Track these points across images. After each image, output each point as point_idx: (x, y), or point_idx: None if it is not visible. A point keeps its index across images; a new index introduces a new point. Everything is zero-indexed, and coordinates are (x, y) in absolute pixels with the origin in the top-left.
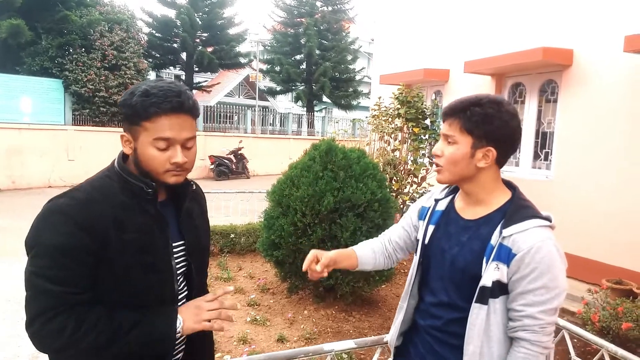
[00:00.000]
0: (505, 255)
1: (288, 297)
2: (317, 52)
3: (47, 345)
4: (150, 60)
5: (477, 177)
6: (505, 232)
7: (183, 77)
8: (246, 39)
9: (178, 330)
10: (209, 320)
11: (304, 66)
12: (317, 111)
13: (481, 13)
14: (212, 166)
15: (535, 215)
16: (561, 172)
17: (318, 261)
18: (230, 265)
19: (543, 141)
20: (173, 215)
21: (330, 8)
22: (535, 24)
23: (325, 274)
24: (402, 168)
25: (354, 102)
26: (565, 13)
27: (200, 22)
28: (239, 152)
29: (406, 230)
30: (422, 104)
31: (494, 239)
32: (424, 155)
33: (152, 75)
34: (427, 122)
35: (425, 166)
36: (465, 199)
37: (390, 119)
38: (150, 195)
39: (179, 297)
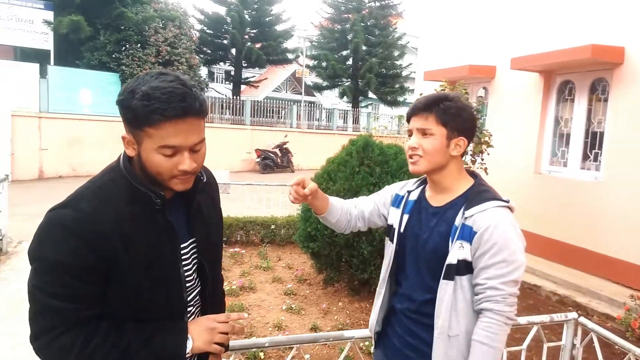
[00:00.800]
0: (468, 234)
1: (324, 289)
2: (364, 47)
3: None
4: (202, 56)
5: (448, 165)
6: (467, 213)
7: (232, 73)
8: (293, 35)
9: (187, 351)
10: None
11: (350, 62)
12: (363, 107)
13: (529, 8)
14: (258, 159)
15: (494, 197)
16: (611, 173)
17: (304, 186)
18: (270, 255)
19: (593, 141)
20: (183, 212)
21: (378, 3)
22: (585, 20)
23: (309, 199)
24: None
25: (400, 99)
26: (616, 9)
27: (249, 19)
28: (284, 146)
29: (376, 205)
30: (465, 101)
31: (458, 220)
32: (465, 153)
33: (203, 71)
34: None
35: (468, 164)
36: (433, 188)
37: None
38: (159, 205)
39: (193, 293)
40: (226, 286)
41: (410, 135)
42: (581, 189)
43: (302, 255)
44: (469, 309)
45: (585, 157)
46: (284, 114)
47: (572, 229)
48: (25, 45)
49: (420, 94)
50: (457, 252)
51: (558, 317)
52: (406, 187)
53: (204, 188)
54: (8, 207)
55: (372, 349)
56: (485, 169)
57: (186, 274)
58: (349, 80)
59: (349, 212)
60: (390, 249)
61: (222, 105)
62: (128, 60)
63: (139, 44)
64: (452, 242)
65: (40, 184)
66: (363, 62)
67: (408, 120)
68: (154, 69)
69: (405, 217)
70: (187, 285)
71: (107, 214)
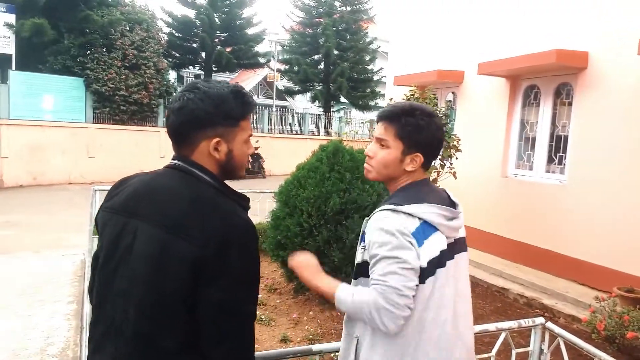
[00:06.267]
0: (363, 238)
1: (294, 298)
2: (335, 52)
3: None
4: (170, 59)
5: (399, 179)
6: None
7: (202, 77)
8: (264, 39)
9: None
10: None
11: (321, 66)
12: (335, 111)
13: (496, 14)
14: None
15: (389, 202)
16: (575, 176)
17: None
18: None
19: (557, 145)
20: None
21: (349, 8)
22: (550, 25)
23: None
24: None
25: (372, 103)
26: (580, 15)
27: (219, 22)
28: (256, 151)
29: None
30: (434, 106)
31: (363, 226)
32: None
33: (172, 75)
34: None
35: (437, 169)
36: None
37: None
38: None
39: None
40: None
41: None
42: (546, 191)
43: (272, 264)
44: None
45: (550, 160)
46: (256, 119)
47: (538, 231)
48: None
49: (391, 99)
50: (359, 254)
51: (526, 322)
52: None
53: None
54: None
55: None
56: (454, 173)
57: None
58: (321, 84)
59: None
60: None
61: None
62: (93, 64)
63: (105, 48)
64: (358, 246)
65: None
66: (335, 67)
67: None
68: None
69: None
70: None
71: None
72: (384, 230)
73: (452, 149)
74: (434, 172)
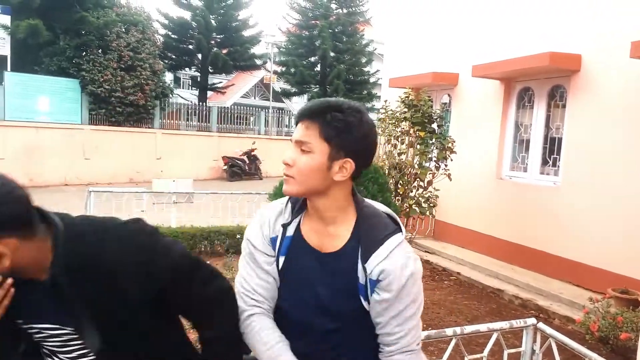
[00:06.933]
0: (373, 285)
1: None
2: (332, 54)
3: None
4: (166, 61)
5: (330, 191)
6: (368, 266)
7: (199, 79)
8: (261, 40)
9: None
10: None
11: (318, 68)
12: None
13: (490, 16)
14: (226, 167)
15: (387, 232)
16: (569, 178)
17: None
18: (236, 265)
19: (552, 147)
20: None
21: (345, 10)
22: (543, 28)
23: None
24: (408, 172)
25: (369, 105)
26: (573, 18)
27: (215, 24)
28: (252, 153)
29: (265, 278)
30: (428, 108)
31: (362, 278)
32: (430, 159)
33: (168, 77)
34: (434, 126)
35: (432, 170)
36: (314, 220)
37: (396, 122)
38: None
39: None
40: None
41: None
42: (541, 193)
43: None
44: None
45: (544, 162)
46: (252, 121)
47: (533, 233)
48: None
49: (386, 101)
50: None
51: (517, 323)
52: (279, 221)
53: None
54: None
55: None
56: (449, 175)
57: None
58: (318, 86)
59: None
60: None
61: (188, 111)
62: (89, 66)
63: (100, 49)
64: (364, 300)
65: None
66: (331, 69)
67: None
68: (117, 75)
69: (282, 259)
70: None
71: None
72: (414, 269)
73: (447, 150)
74: (429, 174)
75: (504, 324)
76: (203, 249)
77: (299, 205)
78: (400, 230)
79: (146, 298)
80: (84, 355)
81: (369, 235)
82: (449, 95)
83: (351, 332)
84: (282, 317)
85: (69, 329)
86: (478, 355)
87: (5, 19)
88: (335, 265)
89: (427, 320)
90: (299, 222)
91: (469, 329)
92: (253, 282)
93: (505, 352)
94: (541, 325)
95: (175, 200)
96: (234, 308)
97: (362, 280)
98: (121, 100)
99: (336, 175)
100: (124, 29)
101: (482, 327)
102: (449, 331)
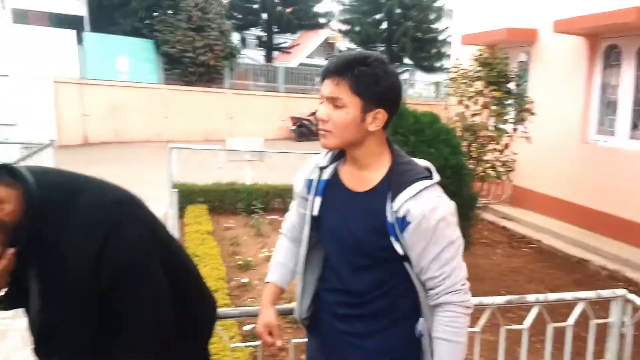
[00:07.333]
0: (400, 225)
1: None
2: (398, 10)
3: None
4: (233, 21)
5: (366, 141)
6: (395, 205)
7: (264, 38)
8: None
9: None
10: None
11: (384, 26)
12: (398, 73)
13: None
14: (294, 127)
15: (418, 176)
16: None
17: (272, 334)
18: None
19: None
20: None
21: None
22: None
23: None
24: (482, 134)
25: (437, 64)
26: None
27: None
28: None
29: (299, 212)
30: (504, 66)
31: (390, 216)
32: (506, 121)
33: (235, 37)
34: (511, 85)
35: (508, 133)
36: (351, 166)
37: (469, 82)
38: None
39: None
40: (265, 252)
41: (321, 102)
42: (630, 158)
43: None
44: None
45: (634, 126)
46: (318, 81)
47: (621, 200)
48: (59, 11)
49: (457, 59)
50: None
51: (605, 293)
52: (318, 165)
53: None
54: None
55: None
56: (528, 138)
57: None
58: (384, 45)
59: (294, 254)
60: (305, 233)
61: (255, 71)
62: (160, 26)
63: (170, 9)
64: (394, 240)
65: (85, 149)
66: (397, 26)
67: (322, 82)
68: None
69: (318, 200)
70: None
71: None
72: (448, 213)
73: (525, 112)
74: (506, 136)
75: (591, 294)
76: (277, 205)
77: (337, 153)
78: (432, 178)
79: (93, 286)
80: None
81: (399, 178)
82: (526, 53)
83: (384, 272)
84: (325, 256)
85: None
86: (562, 324)
87: None
88: (367, 203)
89: (504, 287)
90: (336, 167)
91: (552, 296)
92: (289, 215)
93: (592, 322)
94: (632, 296)
95: (249, 158)
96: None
97: (390, 218)
98: (193, 61)
99: (370, 125)
100: None
101: (567, 296)
102: (530, 297)
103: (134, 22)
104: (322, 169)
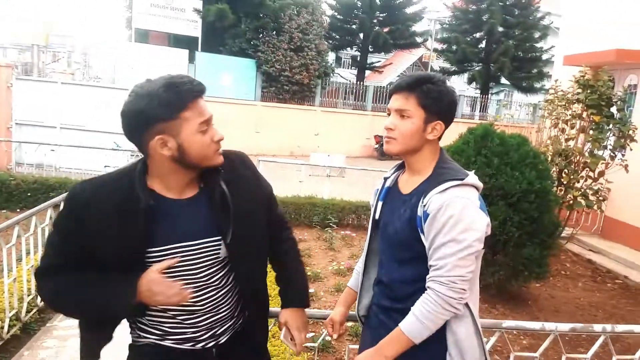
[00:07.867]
0: (425, 219)
1: None
2: (500, 29)
3: None
4: (330, 42)
5: (423, 149)
6: (424, 200)
7: (358, 58)
8: (423, 17)
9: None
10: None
11: (482, 45)
12: (493, 94)
13: None
14: (377, 146)
15: (451, 177)
16: None
17: (341, 324)
18: None
19: None
20: (209, 208)
21: None
22: None
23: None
24: (576, 160)
25: (538, 85)
26: None
27: (379, 2)
28: None
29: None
30: (607, 89)
31: (420, 210)
32: (604, 147)
33: (331, 56)
34: (613, 110)
35: (605, 160)
36: (407, 173)
37: (567, 105)
38: (143, 207)
39: (218, 292)
40: (334, 266)
41: (388, 114)
42: None
43: None
44: None
45: None
46: None
47: None
48: (177, 32)
49: (556, 80)
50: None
51: None
52: (384, 176)
53: (232, 180)
54: None
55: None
56: (626, 167)
57: (204, 272)
58: (480, 64)
59: None
60: (367, 234)
61: (345, 90)
62: (264, 47)
63: (274, 31)
64: (420, 232)
65: None
66: (497, 45)
67: (389, 98)
68: (287, 55)
69: (380, 204)
70: (205, 284)
71: (98, 200)
72: (464, 211)
73: (626, 138)
74: (602, 163)
75: None
76: (351, 221)
77: (400, 165)
78: (467, 183)
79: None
80: (208, 268)
81: (436, 178)
82: (636, 75)
83: (424, 266)
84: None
85: (213, 238)
86: (628, 357)
87: (198, 4)
88: (409, 201)
89: (580, 321)
90: (397, 176)
91: (620, 328)
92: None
93: None
94: None
95: (329, 173)
96: None
97: (419, 212)
98: (289, 79)
99: (429, 135)
100: (296, 12)
101: (637, 329)
102: (597, 327)
103: (241, 43)
104: (386, 178)
